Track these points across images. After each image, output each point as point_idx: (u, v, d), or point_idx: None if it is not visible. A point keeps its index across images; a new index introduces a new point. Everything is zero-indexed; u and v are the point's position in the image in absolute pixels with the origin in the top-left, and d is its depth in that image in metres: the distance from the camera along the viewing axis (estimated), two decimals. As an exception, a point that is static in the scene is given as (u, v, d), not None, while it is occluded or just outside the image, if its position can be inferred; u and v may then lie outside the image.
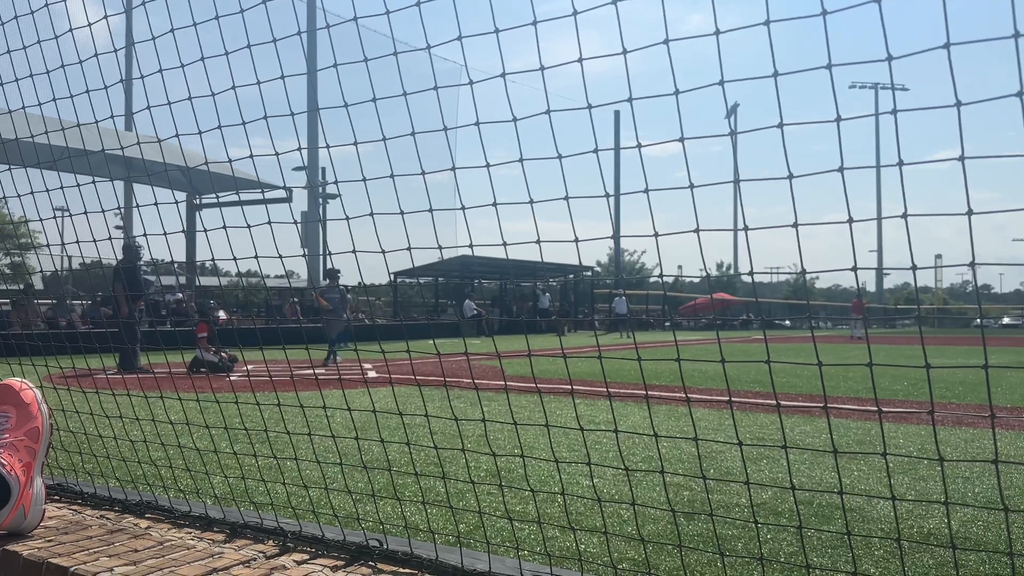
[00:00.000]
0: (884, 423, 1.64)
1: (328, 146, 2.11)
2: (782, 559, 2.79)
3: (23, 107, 2.58)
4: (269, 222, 2.17)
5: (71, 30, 2.44)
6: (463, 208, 1.88)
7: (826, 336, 28.61)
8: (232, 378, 9.47)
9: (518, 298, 41.58)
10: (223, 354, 11.77)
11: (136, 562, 1.85)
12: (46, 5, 2.49)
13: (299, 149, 2.08)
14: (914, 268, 1.30)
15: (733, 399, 2.48)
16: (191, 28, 2.19)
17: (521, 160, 1.77)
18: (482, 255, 26.06)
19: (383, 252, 1.96)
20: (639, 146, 1.61)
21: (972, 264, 1.18)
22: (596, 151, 1.66)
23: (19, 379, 2.27)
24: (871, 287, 69.05)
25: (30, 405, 2.18)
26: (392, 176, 1.95)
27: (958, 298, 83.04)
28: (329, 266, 12.74)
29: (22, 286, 20.05)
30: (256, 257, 2.17)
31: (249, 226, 2.18)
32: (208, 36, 2.17)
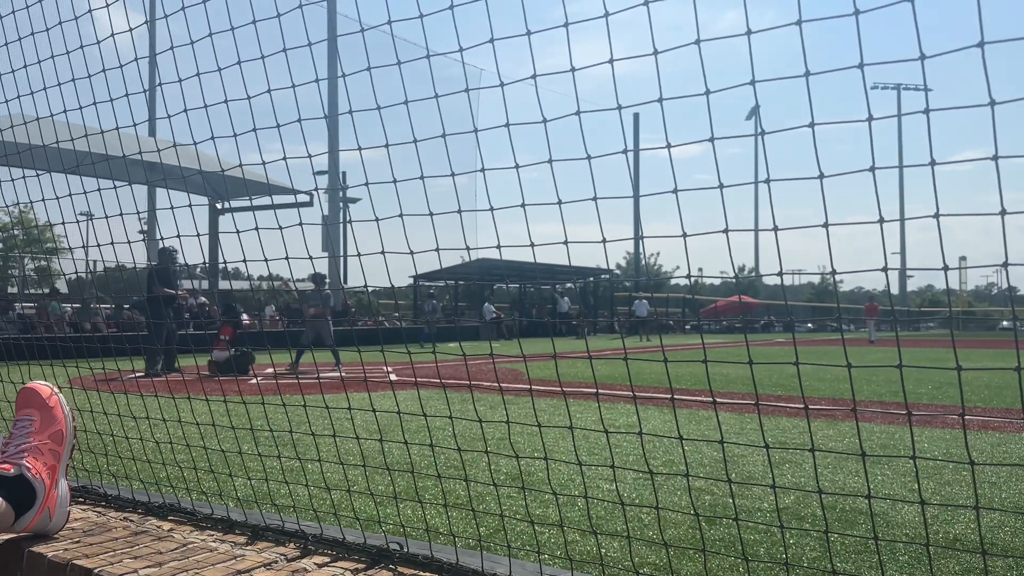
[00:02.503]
0: (912, 427, 1.61)
1: (360, 148, 2.09)
2: (805, 564, 2.77)
3: (66, 112, 2.60)
4: (300, 224, 2.18)
5: (113, 36, 2.46)
6: (492, 209, 1.88)
7: (848, 339, 28.34)
8: (255, 380, 9.53)
9: (537, 301, 41.58)
10: (240, 351, 11.88)
11: (160, 564, 1.86)
12: (89, 13, 2.51)
13: (331, 151, 2.09)
14: (945, 268, 1.28)
15: (759, 403, 2.44)
16: (210, 37, 2.21)
17: (551, 161, 1.77)
18: (502, 259, 26.11)
19: (411, 253, 1.96)
20: (668, 146, 1.60)
21: (1005, 264, 1.16)
22: (625, 151, 1.65)
23: (43, 382, 2.27)
24: (894, 289, 68.38)
25: (54, 408, 2.18)
26: (422, 178, 1.95)
27: (983, 301, 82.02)
28: (314, 271, 12.81)
29: (47, 290, 20.34)
30: (287, 258, 2.18)
31: (281, 227, 2.19)
32: (227, 44, 2.19)
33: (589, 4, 1.67)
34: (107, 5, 2.47)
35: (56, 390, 2.25)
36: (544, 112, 1.74)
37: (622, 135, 1.68)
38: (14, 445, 2.06)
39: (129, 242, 2.64)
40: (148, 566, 1.85)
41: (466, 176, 2.02)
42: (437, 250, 1.94)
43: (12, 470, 1.97)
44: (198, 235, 2.41)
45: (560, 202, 1.75)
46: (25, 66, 2.65)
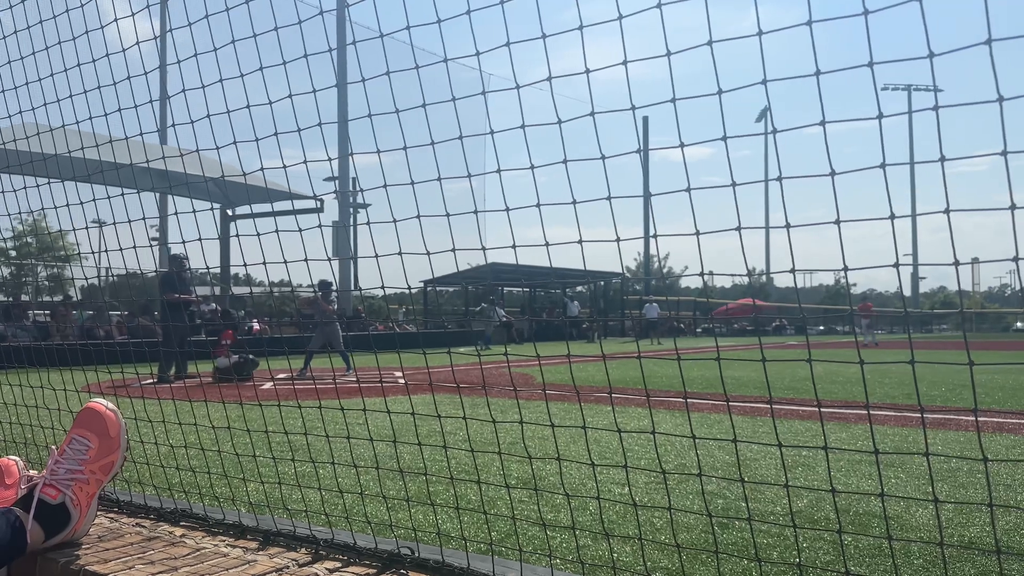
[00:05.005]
0: (924, 424, 1.60)
1: (379, 151, 2.10)
2: (819, 566, 2.75)
3: (91, 120, 2.62)
4: (319, 226, 2.20)
5: (139, 44, 2.48)
6: (507, 209, 1.88)
7: (861, 341, 28.29)
8: (268, 385, 9.56)
9: (547, 305, 41.59)
10: (246, 357, 11.92)
11: (172, 569, 1.87)
12: (115, 21, 2.53)
13: (351, 155, 2.10)
14: (956, 264, 1.27)
15: (772, 403, 2.45)
16: (227, 40, 2.22)
17: (565, 161, 1.77)
18: (511, 263, 26.25)
19: (428, 253, 1.96)
20: (681, 145, 1.60)
21: (1015, 259, 1.15)
22: (639, 151, 1.66)
23: (111, 406, 2.18)
24: (907, 291, 68.11)
25: (114, 440, 2.12)
26: (439, 179, 1.96)
27: (996, 302, 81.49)
28: (322, 278, 12.83)
29: (61, 297, 20.49)
30: (305, 260, 2.19)
31: (301, 230, 2.20)
32: (242, 49, 2.20)
33: (598, 8, 1.67)
34: (132, 15, 2.49)
35: (120, 416, 2.18)
36: (552, 116, 1.75)
37: (636, 136, 1.68)
38: (65, 468, 2.02)
39: (147, 246, 2.66)
40: (161, 572, 1.85)
41: (475, 181, 2.02)
42: (453, 250, 1.94)
43: (57, 498, 1.97)
44: (218, 237, 2.42)
45: (575, 201, 1.76)
46: (52, 75, 2.68)
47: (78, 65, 2.57)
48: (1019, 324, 58.44)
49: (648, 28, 1.62)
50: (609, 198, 1.71)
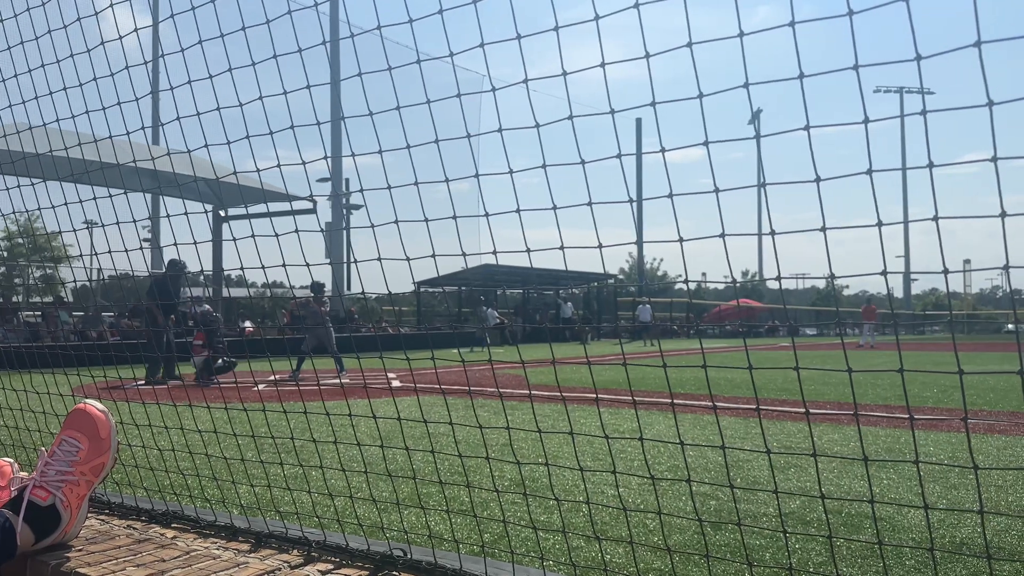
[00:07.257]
0: (914, 431, 1.61)
1: (354, 154, 2.10)
2: (811, 569, 2.75)
3: (59, 121, 2.60)
4: (296, 231, 2.19)
5: (121, 39, 2.47)
6: (487, 215, 1.88)
7: (852, 342, 28.40)
8: (258, 388, 9.52)
9: (541, 307, 41.62)
10: (223, 358, 11.92)
11: (163, 572, 1.86)
12: (95, 15, 2.52)
13: (325, 158, 2.09)
14: (945, 272, 1.28)
15: (760, 407, 2.42)
16: (216, 41, 2.22)
17: (544, 166, 1.77)
18: (505, 264, 26.37)
19: (407, 259, 1.96)
20: (663, 150, 1.60)
21: (1005, 267, 1.16)
22: (619, 156, 1.65)
23: (101, 407, 2.17)
24: (899, 293, 68.30)
25: (104, 441, 2.11)
26: (416, 184, 1.95)
27: (987, 304, 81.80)
28: (314, 280, 12.74)
29: (52, 298, 20.39)
30: (284, 265, 2.18)
31: (278, 234, 2.20)
32: (232, 49, 2.19)
33: (589, 10, 1.67)
34: (111, 5, 2.48)
35: (111, 417, 2.17)
36: (545, 118, 1.75)
37: (616, 139, 1.68)
38: (55, 470, 2.01)
39: (140, 248, 2.65)
40: (151, 574, 1.84)
41: (469, 183, 2.02)
42: (433, 256, 1.94)
43: (47, 499, 1.96)
44: (212, 240, 2.40)
45: (555, 207, 1.76)
46: (29, 71, 2.66)
47: (57, 62, 2.55)
48: (1010, 326, 58.66)
49: (651, 30, 1.61)
50: (590, 204, 1.71)
